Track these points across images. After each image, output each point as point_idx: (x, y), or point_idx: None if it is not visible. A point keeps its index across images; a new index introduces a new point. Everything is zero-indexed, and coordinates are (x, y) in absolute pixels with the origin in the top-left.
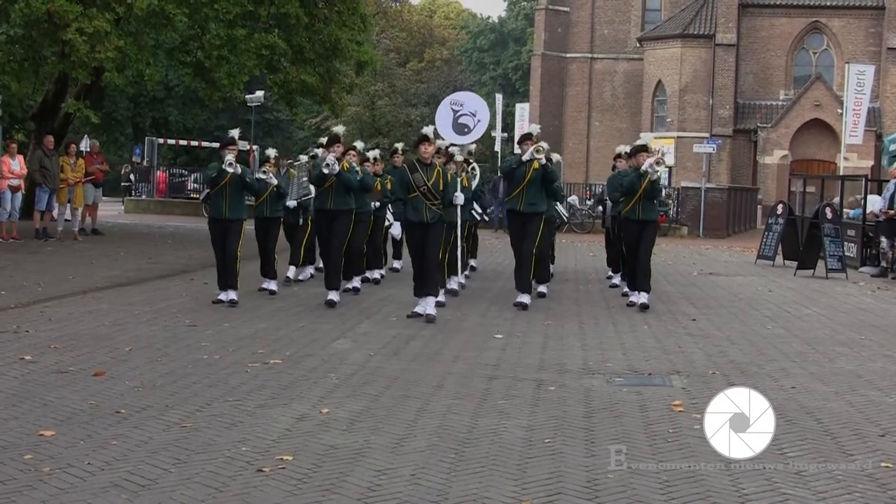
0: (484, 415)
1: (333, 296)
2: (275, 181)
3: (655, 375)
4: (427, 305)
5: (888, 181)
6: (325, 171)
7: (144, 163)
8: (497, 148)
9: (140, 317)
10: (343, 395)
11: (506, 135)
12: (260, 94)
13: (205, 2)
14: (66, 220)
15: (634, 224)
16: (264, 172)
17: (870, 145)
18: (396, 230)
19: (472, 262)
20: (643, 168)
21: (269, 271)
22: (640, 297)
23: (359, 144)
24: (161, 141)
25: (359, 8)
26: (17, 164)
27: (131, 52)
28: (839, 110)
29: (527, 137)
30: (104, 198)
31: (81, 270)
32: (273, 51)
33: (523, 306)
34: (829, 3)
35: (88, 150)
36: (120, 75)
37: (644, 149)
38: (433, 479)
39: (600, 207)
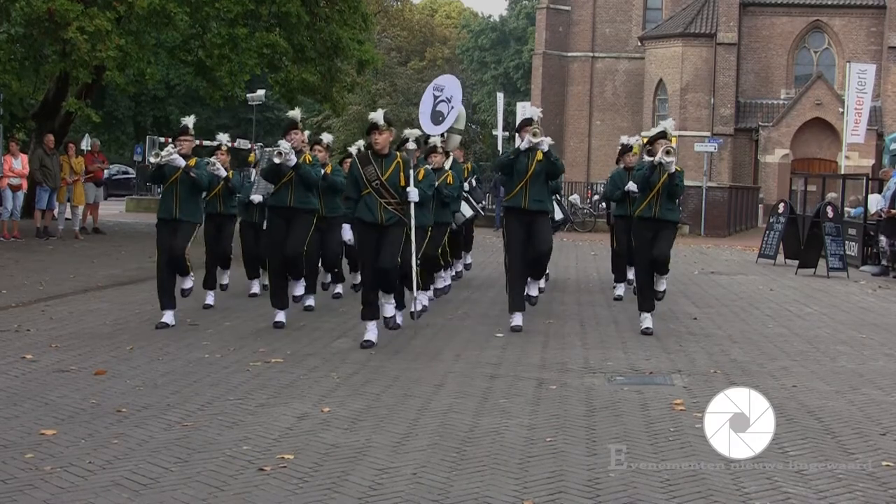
0: (485, 414)
1: (281, 316)
2: (224, 173)
3: (657, 374)
4: (386, 311)
5: (887, 181)
6: (277, 160)
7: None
8: (499, 147)
9: (141, 315)
10: (344, 394)
11: (507, 133)
12: (261, 92)
13: (206, 0)
14: (66, 219)
15: (649, 224)
16: (209, 163)
17: (871, 144)
18: (347, 234)
19: (468, 259)
20: (656, 159)
21: (211, 281)
22: (644, 320)
23: (326, 137)
24: (162, 140)
25: (360, 7)
26: (20, 163)
27: (132, 51)
28: (840, 109)
29: (527, 123)
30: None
31: (82, 269)
32: (274, 50)
33: (519, 329)
34: (829, 3)
35: (89, 148)
36: (121, 74)
37: (663, 136)
38: (434, 478)
39: (603, 204)
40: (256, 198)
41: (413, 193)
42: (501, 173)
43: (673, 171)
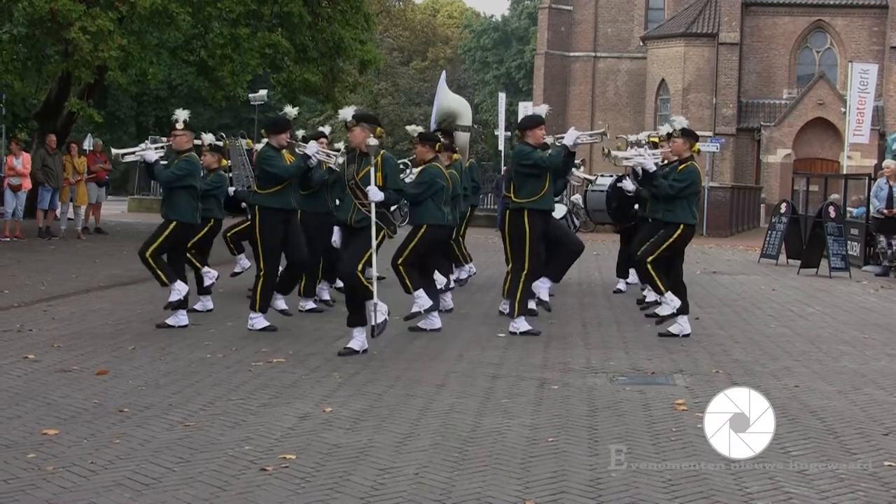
0: (487, 413)
1: (281, 303)
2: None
3: (659, 374)
4: (353, 338)
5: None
6: (335, 165)
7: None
8: (500, 147)
9: (143, 315)
10: (346, 394)
11: (508, 133)
12: (263, 92)
13: (208, 0)
14: (69, 219)
15: (650, 224)
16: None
17: (873, 144)
18: (337, 237)
19: (463, 272)
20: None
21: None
22: (674, 323)
23: (326, 130)
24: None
25: (362, 7)
26: (20, 163)
27: (134, 51)
28: (842, 109)
29: (539, 121)
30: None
31: (84, 269)
32: (276, 50)
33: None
34: (832, 2)
35: (92, 149)
36: (123, 74)
37: (669, 136)
38: (436, 478)
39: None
40: (230, 190)
41: (373, 192)
42: (540, 172)
43: (650, 169)
